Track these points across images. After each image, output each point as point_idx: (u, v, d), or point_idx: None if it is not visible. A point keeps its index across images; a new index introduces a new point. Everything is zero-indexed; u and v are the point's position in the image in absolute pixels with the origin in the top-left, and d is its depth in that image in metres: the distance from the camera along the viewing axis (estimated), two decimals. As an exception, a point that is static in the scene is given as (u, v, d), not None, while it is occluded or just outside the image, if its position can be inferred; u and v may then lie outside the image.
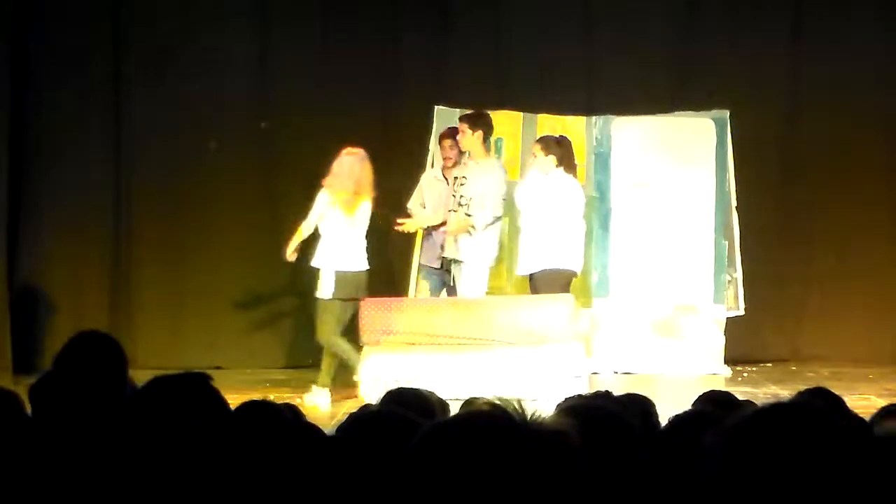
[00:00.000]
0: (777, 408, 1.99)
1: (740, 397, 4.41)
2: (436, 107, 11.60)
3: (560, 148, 10.53)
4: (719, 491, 1.90)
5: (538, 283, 10.42)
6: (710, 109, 11.77)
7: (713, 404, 3.91)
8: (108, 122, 12.03)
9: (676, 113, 11.86)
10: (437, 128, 11.42)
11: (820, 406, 2.00)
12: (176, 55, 11.94)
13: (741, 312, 11.63)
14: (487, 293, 11.16)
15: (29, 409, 3.85)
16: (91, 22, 11.99)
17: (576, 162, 10.73)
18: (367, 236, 10.00)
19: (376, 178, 10.05)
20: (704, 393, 4.29)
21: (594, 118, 11.85)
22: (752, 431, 1.93)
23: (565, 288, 10.29)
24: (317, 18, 12.19)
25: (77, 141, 11.91)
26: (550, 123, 11.76)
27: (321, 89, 12.02)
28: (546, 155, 10.45)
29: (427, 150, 11.41)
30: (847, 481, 1.88)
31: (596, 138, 11.82)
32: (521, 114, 11.83)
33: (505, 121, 11.77)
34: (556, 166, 10.43)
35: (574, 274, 10.47)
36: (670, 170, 11.72)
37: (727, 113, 11.69)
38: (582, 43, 12.30)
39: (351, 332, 10.06)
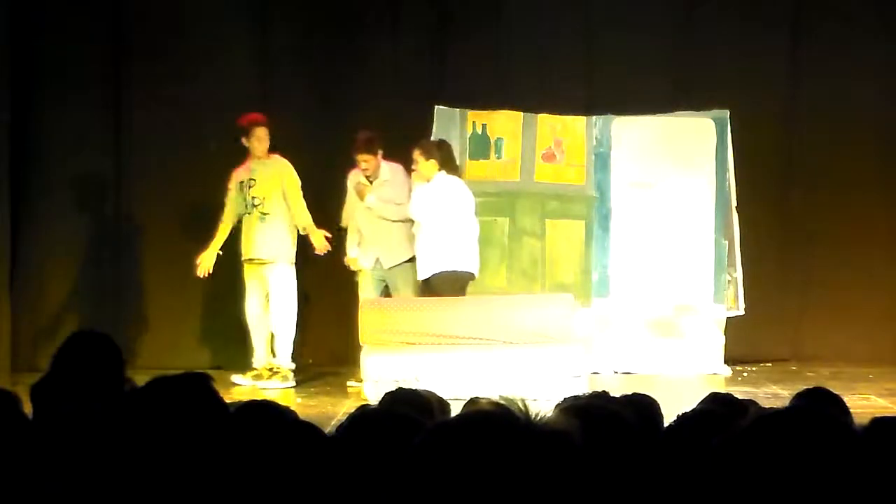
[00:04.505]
0: (789, 412, 1.99)
1: (740, 397, 4.41)
2: (436, 107, 11.60)
3: (440, 151, 10.50)
4: (729, 493, 1.90)
5: (436, 285, 10.34)
6: (710, 109, 11.76)
7: (717, 404, 3.91)
8: (108, 123, 12.02)
9: (676, 113, 11.84)
10: (437, 128, 11.42)
11: (832, 412, 2.00)
12: (176, 55, 11.93)
13: (741, 312, 11.63)
14: (487, 293, 11.14)
15: (29, 409, 3.84)
16: (91, 22, 11.99)
17: (457, 164, 10.68)
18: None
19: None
20: (709, 395, 4.29)
21: (594, 118, 11.84)
22: (764, 435, 1.93)
23: (463, 290, 10.29)
24: (316, 18, 12.18)
25: (77, 141, 11.91)
26: (550, 123, 11.76)
27: (321, 89, 12.01)
28: (427, 160, 10.41)
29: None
30: (858, 487, 1.87)
31: (596, 138, 11.81)
32: (521, 114, 11.81)
33: (505, 121, 11.76)
34: (438, 170, 10.39)
35: (471, 275, 10.43)
36: (670, 170, 11.71)
37: (727, 113, 11.67)
38: (582, 43, 12.30)
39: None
